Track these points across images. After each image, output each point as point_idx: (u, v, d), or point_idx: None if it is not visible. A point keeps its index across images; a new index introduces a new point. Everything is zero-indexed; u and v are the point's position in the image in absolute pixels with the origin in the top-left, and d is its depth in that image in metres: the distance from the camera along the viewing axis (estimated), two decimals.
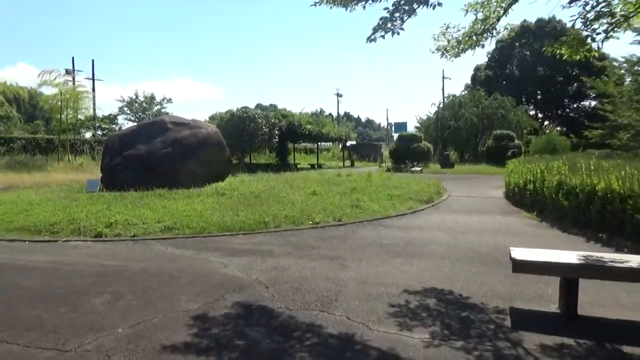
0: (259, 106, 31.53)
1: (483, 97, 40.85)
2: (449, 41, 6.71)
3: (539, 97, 59.50)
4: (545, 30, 56.73)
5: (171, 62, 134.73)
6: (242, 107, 29.21)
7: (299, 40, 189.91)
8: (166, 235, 8.64)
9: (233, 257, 7.07)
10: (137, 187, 13.01)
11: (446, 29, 6.63)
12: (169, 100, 34.19)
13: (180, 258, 7.02)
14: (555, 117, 58.86)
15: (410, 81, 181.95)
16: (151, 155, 13.87)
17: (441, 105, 43.93)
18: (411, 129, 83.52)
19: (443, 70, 70.50)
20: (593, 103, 58.95)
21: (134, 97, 32.73)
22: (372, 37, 4.76)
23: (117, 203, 10.84)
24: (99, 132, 42.99)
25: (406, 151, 33.31)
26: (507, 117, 39.39)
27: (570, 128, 53.96)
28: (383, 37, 4.76)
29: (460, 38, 6.64)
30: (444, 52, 6.86)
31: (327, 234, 8.97)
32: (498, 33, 6.97)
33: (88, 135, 37.30)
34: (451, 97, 43.85)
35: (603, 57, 57.53)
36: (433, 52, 6.87)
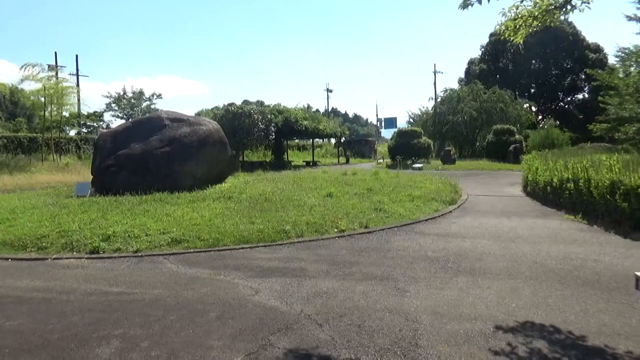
0: (245, 102, 30.16)
1: (482, 91, 39.95)
2: (521, 17, 5.61)
3: (533, 90, 58.98)
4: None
5: (156, 59, 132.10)
6: (230, 103, 27.95)
7: (285, 36, 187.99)
8: (174, 249, 7.42)
9: (261, 278, 5.89)
10: (132, 190, 11.73)
11: (521, 2, 5.52)
12: (159, 96, 32.74)
13: (197, 281, 5.82)
14: (549, 111, 58.36)
15: (399, 76, 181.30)
16: (147, 155, 12.57)
17: (439, 100, 42.93)
18: (402, 124, 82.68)
19: (435, 65, 69.78)
20: (587, 96, 58.68)
21: (121, 92, 31.18)
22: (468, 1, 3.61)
23: (113, 210, 9.56)
24: (84, 130, 41.23)
25: (406, 147, 32.29)
26: (506, 111, 38.54)
27: (564, 122, 53.55)
28: (479, 1, 3.62)
29: (537, 12, 5.53)
30: (513, 29, 5.75)
31: (359, 244, 7.83)
32: (574, 8, 5.91)
33: (73, 133, 35.65)
34: (448, 91, 42.91)
35: (598, 49, 57.42)
36: (500, 28, 5.77)
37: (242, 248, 7.56)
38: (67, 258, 6.98)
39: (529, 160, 16.97)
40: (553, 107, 58.92)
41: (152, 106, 31.97)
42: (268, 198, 11.12)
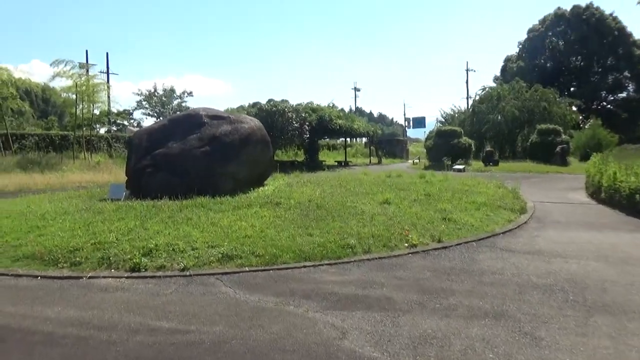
0: (270, 101, 29.13)
1: (524, 89, 37.99)
2: None
3: (573, 89, 56.47)
4: (582, 19, 53.72)
5: (181, 58, 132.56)
6: (255, 102, 27.00)
7: (308, 34, 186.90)
8: (227, 267, 6.32)
9: (341, 311, 4.74)
10: (170, 193, 10.73)
11: None
12: (190, 94, 31.92)
13: (263, 313, 4.70)
14: (591, 110, 55.73)
15: (427, 75, 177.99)
16: (186, 155, 11.57)
17: (477, 98, 41.11)
18: (430, 123, 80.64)
19: (467, 62, 67.84)
20: (632, 94, 55.87)
21: (152, 90, 30.55)
22: None
23: (153, 217, 8.55)
24: (114, 128, 40.95)
25: (445, 147, 30.77)
26: (550, 110, 36.52)
27: (607, 121, 50.93)
28: None
29: None
30: None
31: (440, 264, 6.61)
32: None
33: (102, 131, 35.28)
34: (487, 89, 41.02)
35: None
36: None
37: (305, 267, 6.43)
38: (104, 277, 5.96)
39: (597, 163, 15.39)
40: (595, 106, 56.25)
41: (183, 104, 31.28)
42: (320, 204, 9.96)
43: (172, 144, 11.91)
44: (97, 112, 29.79)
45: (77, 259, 6.44)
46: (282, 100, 29.86)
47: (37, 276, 6.02)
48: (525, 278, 5.86)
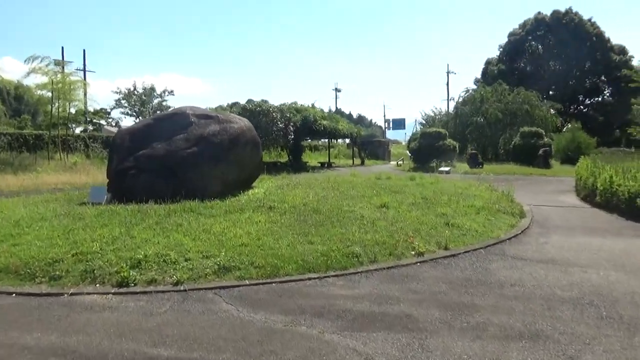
0: (249, 102, 28.51)
1: (506, 92, 38.18)
2: None
3: (552, 92, 57.20)
4: (562, 23, 54.47)
5: (158, 56, 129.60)
6: (234, 102, 26.34)
7: (288, 34, 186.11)
8: (225, 280, 5.78)
9: (360, 332, 4.26)
10: (155, 197, 10.10)
11: None
12: (170, 92, 30.98)
13: (274, 336, 4.18)
14: (569, 114, 56.57)
15: (408, 76, 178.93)
16: (172, 156, 10.93)
17: (460, 100, 41.19)
18: (410, 125, 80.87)
19: (448, 65, 68.30)
20: (608, 99, 56.91)
21: (132, 88, 29.51)
22: None
23: (139, 223, 7.91)
24: (90, 127, 39.61)
25: (430, 149, 30.61)
26: (532, 113, 36.76)
27: (584, 125, 51.73)
28: None
29: None
30: None
31: (453, 274, 6.20)
32: None
33: (78, 130, 34.00)
34: (470, 92, 41.14)
35: (623, 50, 55.64)
36: None
37: (310, 279, 5.92)
38: (88, 293, 5.34)
39: (589, 166, 15.26)
40: (572, 109, 57.10)
41: (164, 103, 30.37)
42: (316, 209, 9.46)
43: (157, 144, 11.26)
44: (73, 110, 28.68)
45: (57, 272, 5.80)
46: (262, 101, 29.21)
47: (11, 293, 5.37)
48: (549, 291, 5.47)
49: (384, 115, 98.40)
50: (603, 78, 55.90)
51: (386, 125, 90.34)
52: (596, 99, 57.78)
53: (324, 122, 30.64)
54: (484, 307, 4.92)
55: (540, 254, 7.40)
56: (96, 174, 20.25)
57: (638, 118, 36.55)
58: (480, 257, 7.18)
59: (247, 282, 5.74)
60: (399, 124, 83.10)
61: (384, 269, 6.42)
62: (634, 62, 54.81)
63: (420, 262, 6.81)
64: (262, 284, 5.69)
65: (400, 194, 12.13)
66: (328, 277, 6.03)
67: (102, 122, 39.83)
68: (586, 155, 37.82)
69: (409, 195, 11.96)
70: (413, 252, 7.16)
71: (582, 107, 58.13)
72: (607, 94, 57.46)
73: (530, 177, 25.44)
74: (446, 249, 7.52)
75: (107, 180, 11.77)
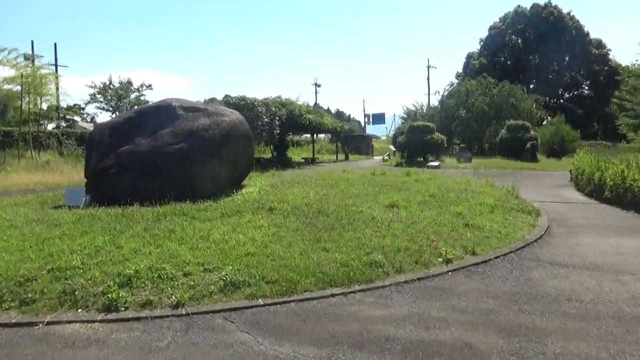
0: (227, 97, 27.34)
1: (492, 85, 37.85)
2: None
3: (532, 86, 57.36)
4: (541, 17, 54.59)
5: (134, 53, 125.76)
6: (211, 98, 25.13)
7: (266, 30, 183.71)
8: (235, 300, 4.86)
9: None
10: (140, 198, 9.07)
11: None
12: (149, 87, 29.52)
13: None
14: (549, 107, 56.85)
15: (387, 71, 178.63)
16: (158, 152, 9.88)
17: (445, 93, 40.67)
18: (390, 119, 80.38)
19: (428, 59, 68.09)
20: (586, 92, 57.46)
21: (107, 82, 27.98)
22: None
23: (125, 230, 6.89)
24: (63, 124, 37.76)
25: (419, 143, 29.99)
26: (518, 106, 36.51)
27: (565, 118, 52.03)
28: None
29: None
30: None
31: (495, 286, 5.42)
32: None
33: (51, 127, 32.25)
34: (455, 85, 40.73)
35: (600, 44, 56.13)
36: None
37: (333, 295, 5.06)
38: (69, 322, 4.36)
39: (594, 160, 14.71)
40: (552, 103, 57.39)
41: (142, 97, 28.94)
42: (321, 209, 8.57)
43: (141, 140, 10.20)
44: (45, 106, 27.07)
45: (30, 294, 4.79)
46: (240, 97, 27.99)
47: None
48: (614, 307, 4.72)
49: (364, 110, 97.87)
50: (582, 72, 56.31)
51: (366, 120, 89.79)
52: (575, 92, 58.20)
53: (310, 117, 29.71)
54: (551, 331, 4.12)
55: (578, 258, 6.67)
56: (71, 173, 18.91)
57: (619, 112, 36.60)
58: (514, 263, 6.42)
59: (260, 301, 4.84)
60: (379, 118, 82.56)
61: (414, 280, 5.60)
62: (611, 56, 55.54)
63: (451, 270, 6.02)
64: (280, 304, 4.80)
65: (404, 192, 11.33)
66: (353, 292, 5.18)
67: (76, 118, 38.04)
68: (569, 149, 38.09)
69: (414, 192, 11.17)
70: (440, 259, 6.36)
71: (562, 100, 58.47)
72: (586, 88, 57.95)
73: (521, 172, 25.00)
74: (474, 254, 6.75)
75: (85, 181, 10.67)
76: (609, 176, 12.37)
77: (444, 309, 4.68)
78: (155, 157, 9.88)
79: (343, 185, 12.36)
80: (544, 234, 8.24)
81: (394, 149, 43.33)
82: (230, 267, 5.46)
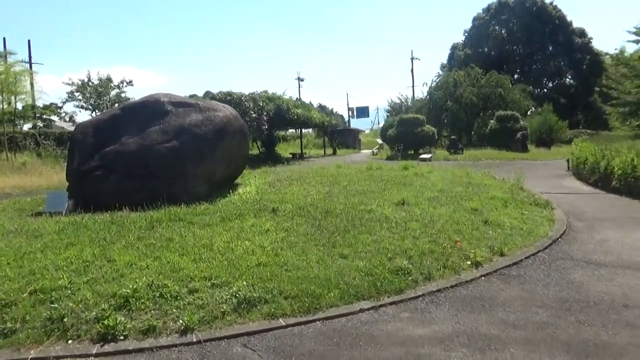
0: (207, 94, 26.49)
1: (480, 75, 37.54)
2: None
3: (517, 76, 57.36)
4: (525, 7, 54.53)
5: (109, 48, 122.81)
6: (191, 94, 24.20)
7: (246, 23, 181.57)
8: (252, 321, 4.20)
9: None
10: (128, 202, 8.31)
11: None
12: (129, 83, 28.32)
13: None
14: (534, 97, 56.91)
15: (369, 64, 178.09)
16: (147, 152, 9.11)
17: (433, 84, 40.24)
18: (373, 112, 79.92)
19: (412, 51, 67.72)
20: (570, 82, 57.75)
21: (85, 79, 26.73)
22: None
23: (116, 240, 6.16)
24: (40, 124, 36.29)
25: (409, 136, 29.49)
26: (505, 97, 36.28)
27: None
28: None
29: None
30: None
31: (538, 293, 4.87)
32: None
33: (26, 127, 30.86)
34: (443, 76, 40.34)
35: (583, 33, 56.36)
36: None
37: (362, 310, 4.45)
38: (58, 358, 3.65)
39: (601, 150, 14.27)
40: (537, 92, 57.44)
41: (122, 94, 27.76)
42: (327, 209, 7.93)
43: (128, 138, 9.41)
44: (20, 105, 25.77)
45: (9, 323, 4.06)
46: (226, 92, 27.13)
47: None
48: None
49: (347, 104, 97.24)
50: (565, 61, 56.49)
51: (350, 114, 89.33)
52: (559, 81, 58.37)
53: (298, 111, 28.96)
54: (623, 348, 3.57)
55: (613, 256, 6.17)
56: (50, 175, 17.90)
57: (603, 101, 36.58)
58: (548, 264, 5.89)
59: (282, 321, 4.20)
60: (362, 112, 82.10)
61: (447, 289, 5.01)
62: (593, 45, 55.85)
63: (483, 275, 5.46)
64: (304, 324, 4.17)
65: (409, 187, 10.74)
66: (384, 305, 4.57)
67: (54, 117, 36.58)
68: (556, 139, 38.09)
69: (420, 188, 10.59)
70: (469, 262, 5.81)
71: (545, 90, 58.58)
72: (569, 77, 58.19)
73: (514, 162, 24.68)
74: (502, 254, 6.22)
75: (67, 184, 9.85)
76: (617, 165, 11.97)
77: (493, 324, 4.10)
78: (144, 158, 9.11)
79: (343, 181, 11.73)
80: (566, 230, 7.76)
81: (380, 142, 42.87)
82: (242, 281, 4.79)
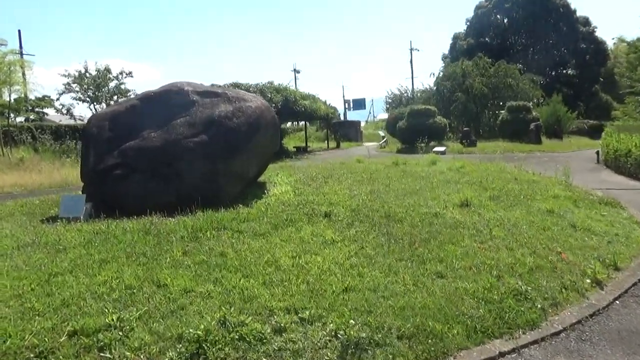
0: (213, 86, 25.18)
1: (488, 65, 36.53)
2: None
3: (520, 65, 56.42)
4: None
5: (100, 40, 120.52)
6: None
7: (241, 15, 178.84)
8: None
9: None
10: (155, 205, 7.23)
11: None
12: (129, 74, 26.96)
13: None
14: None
15: (365, 56, 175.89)
16: (173, 147, 8.01)
17: (440, 75, 39.13)
18: (368, 104, 78.57)
19: (411, 42, 66.50)
20: (573, 72, 57.00)
21: (83, 71, 25.38)
22: None
23: (158, 256, 5.09)
24: (32, 117, 34.77)
25: (420, 128, 28.42)
26: (515, 87, 35.34)
27: (551, 97, 51.32)
28: None
29: None
30: None
31: None
32: None
33: (19, 120, 29.39)
34: (450, 66, 39.27)
35: (587, 22, 55.50)
36: None
37: (502, 355, 3.45)
38: None
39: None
40: (541, 83, 56.60)
41: (122, 86, 26.44)
42: (388, 214, 6.90)
43: (150, 132, 8.31)
44: (13, 97, 24.39)
45: None
46: (233, 83, 25.88)
47: None
48: None
49: (343, 96, 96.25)
50: (569, 50, 55.65)
51: (346, 106, 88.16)
52: (563, 71, 57.58)
53: (305, 103, 27.84)
54: None
55: None
56: (51, 172, 16.69)
57: (608, 90, 35.81)
58: None
59: None
60: (359, 104, 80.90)
61: (587, 319, 4.06)
62: (599, 33, 55.11)
63: (616, 299, 4.49)
64: None
65: (456, 184, 9.75)
66: (525, 346, 3.60)
67: (50, 110, 35.11)
68: (564, 129, 37.30)
69: (470, 185, 9.62)
70: (588, 280, 4.82)
71: (548, 80, 57.73)
72: (573, 67, 57.39)
73: (533, 155, 23.84)
74: (617, 268, 5.28)
75: (71, 181, 8.74)
76: None
77: None
78: (169, 154, 8.02)
79: (380, 178, 10.73)
80: None
81: (382, 134, 41.82)
82: (335, 315, 3.77)
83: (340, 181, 10.28)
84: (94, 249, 5.34)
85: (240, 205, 7.50)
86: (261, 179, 11.13)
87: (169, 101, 8.82)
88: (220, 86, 16.23)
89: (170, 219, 6.74)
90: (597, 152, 18.21)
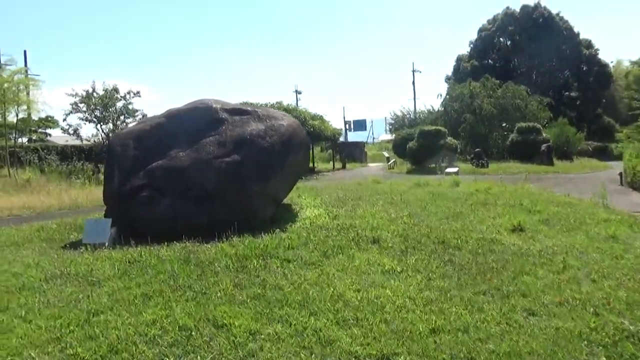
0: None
1: (496, 86, 36.39)
2: None
3: (523, 87, 56.56)
4: (531, 18, 53.95)
5: (100, 61, 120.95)
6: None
7: (242, 38, 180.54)
8: None
9: None
10: (185, 231, 6.69)
11: None
12: (137, 94, 26.69)
13: None
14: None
15: (366, 78, 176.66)
16: (204, 167, 7.51)
17: (447, 96, 38.98)
18: (369, 125, 78.50)
19: (413, 63, 66.88)
20: (576, 94, 57.10)
21: (90, 90, 25.06)
22: None
23: (206, 289, 4.52)
24: (34, 138, 34.33)
25: (431, 149, 28.08)
26: (523, 108, 35.15)
27: (556, 120, 51.23)
28: None
29: None
30: None
31: None
32: None
33: (21, 141, 28.87)
34: (456, 87, 39.11)
35: (590, 44, 55.86)
36: None
37: None
38: None
39: None
40: (546, 104, 56.68)
41: (130, 106, 26.12)
42: (442, 239, 6.37)
43: (178, 151, 7.82)
44: (21, 116, 23.95)
45: None
46: (243, 103, 25.52)
47: None
48: None
49: (344, 117, 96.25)
50: (572, 73, 55.90)
51: (347, 127, 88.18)
52: (566, 93, 57.67)
53: (315, 123, 27.56)
54: None
55: None
56: (59, 194, 16.13)
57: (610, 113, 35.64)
58: None
59: None
60: (360, 125, 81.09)
61: None
62: (601, 56, 55.41)
63: None
64: None
65: (495, 207, 9.24)
66: None
67: (55, 130, 34.65)
68: (573, 151, 37.03)
69: (511, 208, 9.10)
70: None
71: (553, 102, 57.84)
72: (576, 88, 57.53)
73: (549, 176, 23.42)
74: None
75: (86, 204, 8.22)
76: None
77: None
78: (199, 175, 7.52)
79: (411, 200, 10.23)
80: None
81: (387, 155, 41.38)
82: None
83: (372, 203, 9.77)
84: (131, 282, 4.78)
85: (277, 230, 6.97)
86: (285, 200, 10.64)
87: (197, 119, 8.35)
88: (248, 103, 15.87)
89: (207, 245, 6.19)
90: (620, 174, 17.78)
